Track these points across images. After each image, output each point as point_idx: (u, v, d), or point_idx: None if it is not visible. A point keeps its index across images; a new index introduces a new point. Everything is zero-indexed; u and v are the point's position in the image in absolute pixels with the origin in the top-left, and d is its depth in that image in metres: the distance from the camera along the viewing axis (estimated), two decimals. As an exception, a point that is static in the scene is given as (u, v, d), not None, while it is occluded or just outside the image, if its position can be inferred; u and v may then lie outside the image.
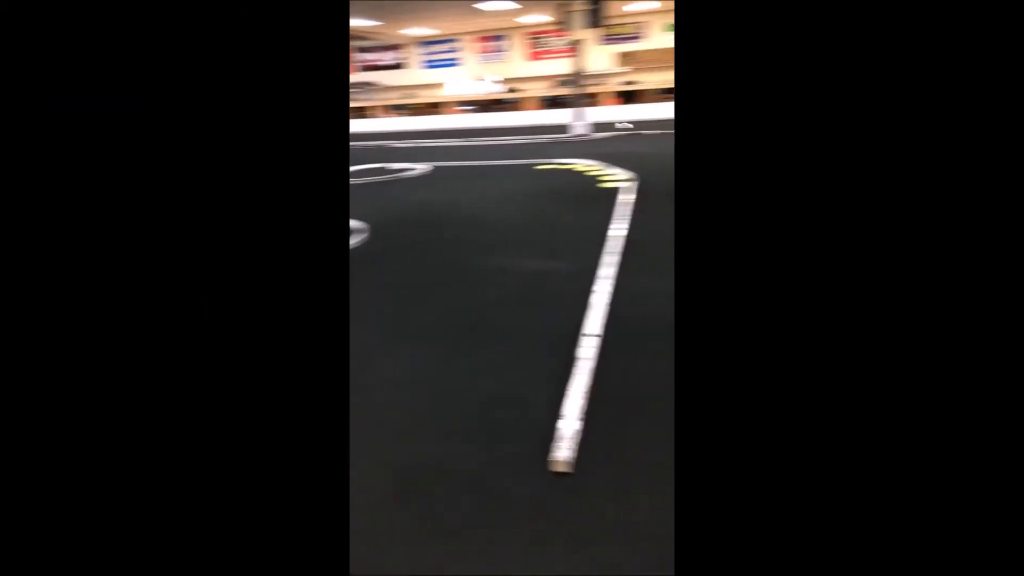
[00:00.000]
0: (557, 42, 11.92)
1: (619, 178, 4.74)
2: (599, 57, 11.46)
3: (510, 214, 3.82)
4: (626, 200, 3.94)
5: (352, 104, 14.01)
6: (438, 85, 13.53)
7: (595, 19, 7.70)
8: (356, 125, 12.21)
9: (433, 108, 13.37)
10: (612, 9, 9.56)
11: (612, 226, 3.28)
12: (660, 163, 5.32)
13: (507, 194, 4.50)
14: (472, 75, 13.05)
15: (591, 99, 10.44)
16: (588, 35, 8.10)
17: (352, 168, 6.28)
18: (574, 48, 8.42)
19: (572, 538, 1.08)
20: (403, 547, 1.09)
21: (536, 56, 12.59)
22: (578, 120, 8.37)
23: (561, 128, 9.00)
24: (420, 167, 6.13)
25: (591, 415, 1.47)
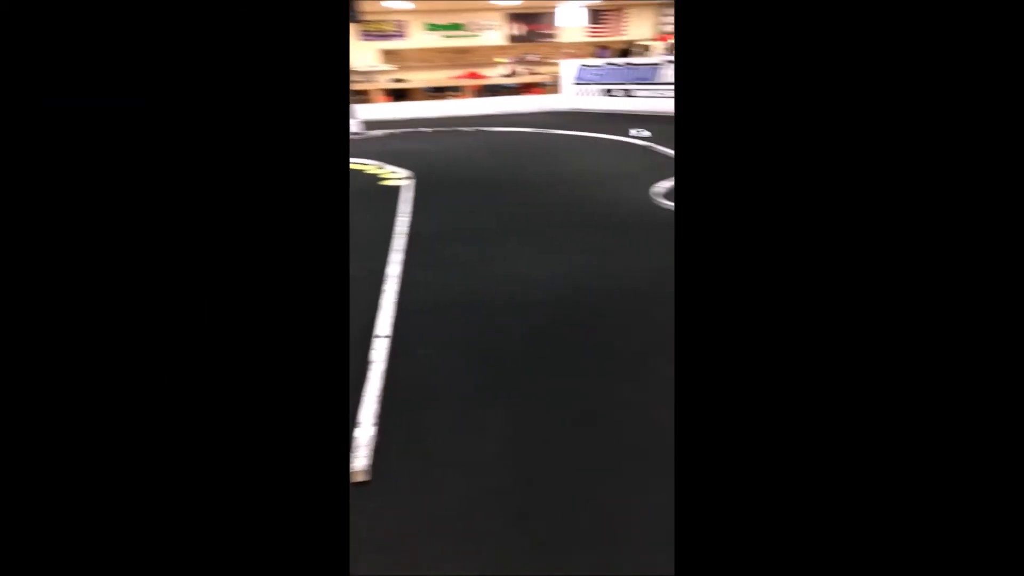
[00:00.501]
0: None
1: (398, 176, 4.81)
2: (363, 54, 11.25)
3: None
4: (406, 197, 4.08)
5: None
6: None
7: (351, 13, 7.53)
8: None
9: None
10: (369, 6, 9.46)
11: (397, 224, 3.38)
12: (433, 160, 5.57)
13: None
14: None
15: (362, 96, 10.23)
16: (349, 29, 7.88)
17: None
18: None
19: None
20: None
21: (295, 49, 11.71)
22: (351, 117, 8.13)
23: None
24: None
25: (386, 417, 1.50)
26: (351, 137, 7.70)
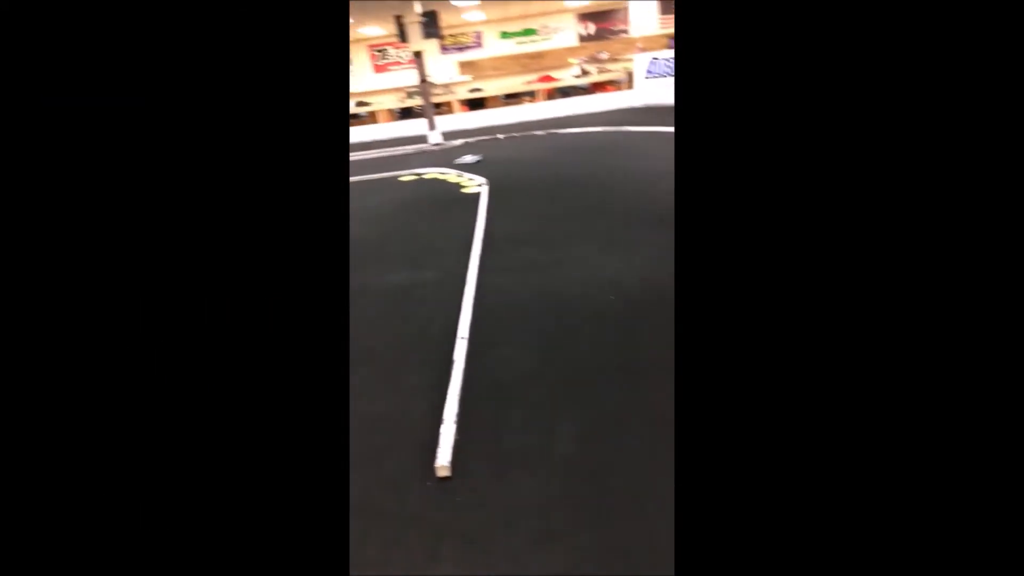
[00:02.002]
0: (400, 54, 12.01)
1: (475, 183, 5.04)
2: (442, 67, 11.79)
3: (379, 228, 3.93)
4: (482, 203, 4.26)
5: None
6: None
7: (432, 30, 7.96)
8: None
9: None
10: (450, 19, 9.91)
11: (476, 229, 3.56)
12: (506, 167, 5.72)
13: (374, 208, 4.59)
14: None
15: (440, 108, 10.73)
16: (428, 45, 8.35)
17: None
18: (416, 59, 8.60)
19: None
20: None
21: (381, 69, 12.54)
22: (431, 129, 8.60)
23: (417, 139, 9.15)
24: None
25: (466, 415, 1.58)
26: (432, 148, 8.14)
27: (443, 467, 1.40)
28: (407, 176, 5.94)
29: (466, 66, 12.18)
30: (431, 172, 6.00)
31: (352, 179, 6.30)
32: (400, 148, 8.37)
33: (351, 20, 9.38)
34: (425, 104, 8.72)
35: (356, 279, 2.94)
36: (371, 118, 12.24)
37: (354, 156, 8.23)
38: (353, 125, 11.94)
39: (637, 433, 1.49)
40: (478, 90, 12.01)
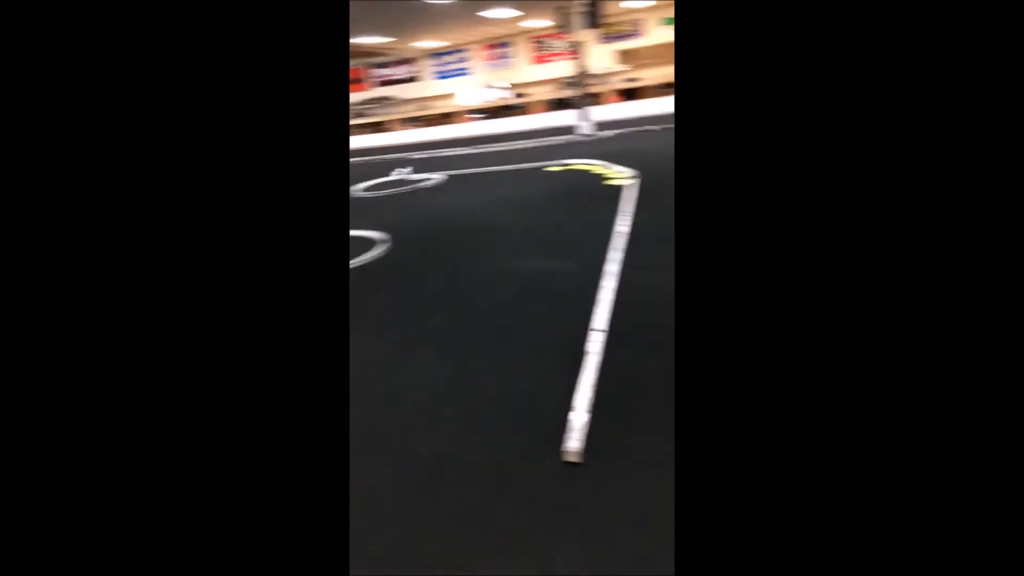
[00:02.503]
0: (559, 45, 12.15)
1: (623, 176, 4.93)
2: (600, 56, 11.65)
3: (522, 217, 4.06)
4: (629, 196, 4.15)
5: (370, 119, 14.42)
6: (450, 95, 13.90)
7: (594, 19, 7.90)
8: (374, 139, 12.60)
9: (446, 118, 13.75)
10: (610, 8, 9.73)
11: (617, 223, 3.49)
12: (658, 160, 5.49)
13: (519, 198, 4.74)
14: (481, 83, 13.36)
15: (595, 98, 10.63)
16: (588, 35, 8.30)
17: (372, 182, 6.60)
18: (575, 49, 8.63)
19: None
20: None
21: (540, 60, 12.86)
22: (583, 120, 8.58)
23: (567, 129, 9.21)
24: (436, 176, 6.42)
25: (599, 407, 1.59)
26: (584, 138, 8.14)
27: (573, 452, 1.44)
28: (554, 167, 6.02)
29: (626, 55, 11.86)
30: (578, 163, 6.00)
31: (496, 168, 6.58)
32: (550, 138, 8.51)
33: (518, 12, 9.73)
34: (580, 94, 8.72)
35: (491, 264, 3.09)
36: (525, 109, 12.64)
37: (506, 147, 8.59)
38: (509, 116, 12.48)
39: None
40: (634, 79, 11.63)
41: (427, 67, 14.18)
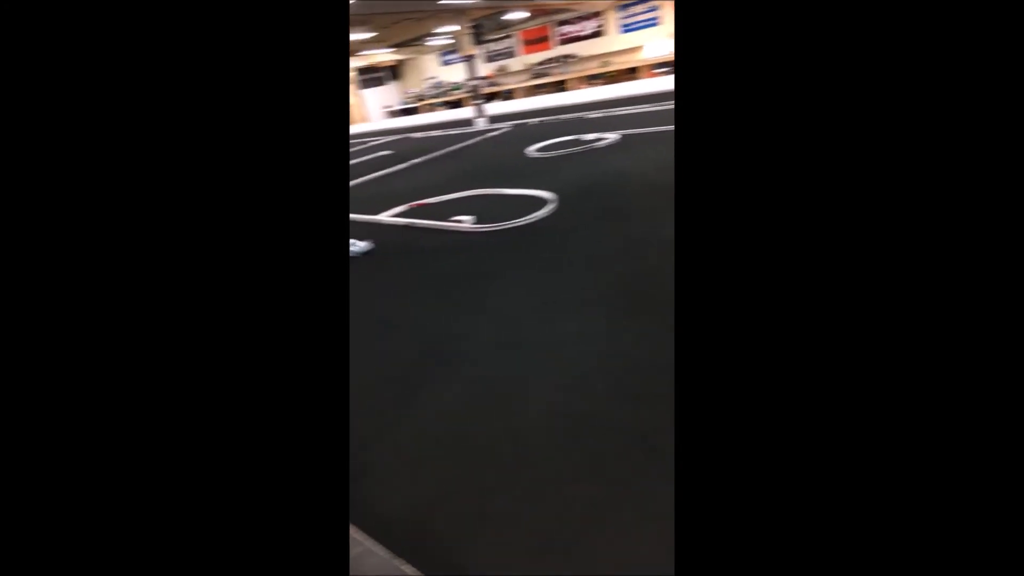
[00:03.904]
0: None
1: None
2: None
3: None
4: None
5: (551, 79, 14.60)
6: (636, 49, 13.19)
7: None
8: (552, 99, 12.76)
9: (630, 74, 13.13)
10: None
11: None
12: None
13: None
14: (670, 34, 12.36)
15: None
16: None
17: (548, 142, 6.74)
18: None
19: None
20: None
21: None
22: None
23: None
24: (611, 136, 6.26)
25: None
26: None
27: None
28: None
29: None
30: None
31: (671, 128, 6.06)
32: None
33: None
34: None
35: (652, 230, 2.95)
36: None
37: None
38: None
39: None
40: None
41: (613, 20, 13.58)
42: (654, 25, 12.86)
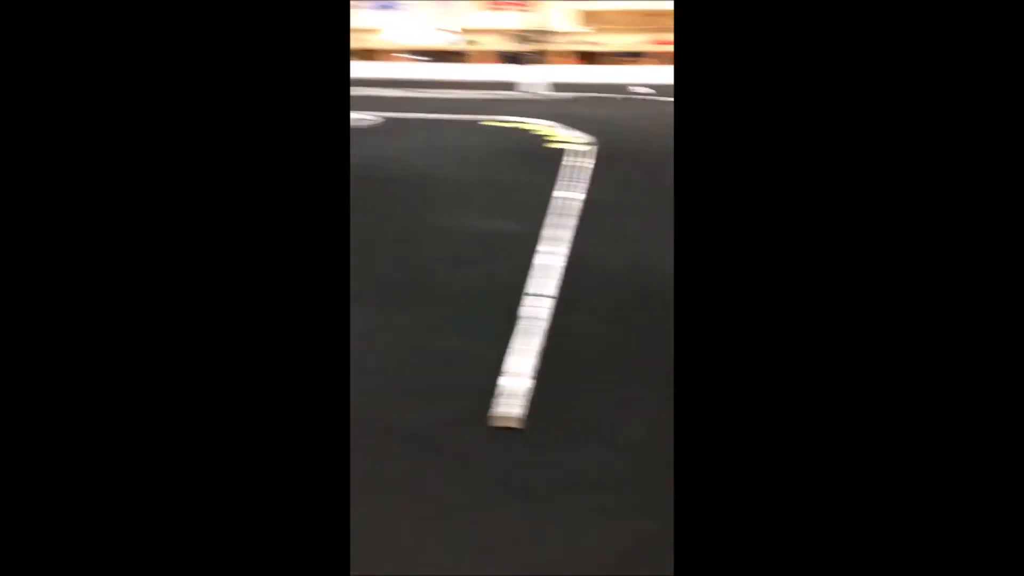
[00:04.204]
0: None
1: (571, 141, 4.75)
2: (561, 14, 11.16)
3: (462, 171, 3.82)
4: (582, 162, 4.00)
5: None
6: (374, 30, 12.67)
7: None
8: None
9: (367, 55, 12.53)
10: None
11: (559, 188, 3.34)
12: (618, 129, 5.38)
13: (460, 150, 4.46)
14: (428, 23, 12.38)
15: (549, 57, 10.25)
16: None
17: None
18: (535, 1, 8.16)
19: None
20: None
21: (495, 5, 12.05)
22: (534, 78, 8.22)
23: (515, 85, 8.81)
24: (370, 117, 5.94)
25: (542, 373, 1.53)
26: (537, 98, 7.81)
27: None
28: (497, 122, 5.70)
29: (591, 16, 11.45)
30: (524, 122, 5.71)
31: (440, 116, 6.19)
32: (498, 92, 8.11)
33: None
34: (534, 51, 8.31)
35: (428, 219, 2.90)
36: (470, 58, 11.95)
37: (448, 94, 8.08)
38: (453, 62, 11.72)
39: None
40: (595, 43, 11.33)
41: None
42: (392, 9, 12.58)
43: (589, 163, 4.02)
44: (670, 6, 10.70)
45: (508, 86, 8.89)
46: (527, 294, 1.98)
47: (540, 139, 4.88)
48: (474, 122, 5.75)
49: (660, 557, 0.98)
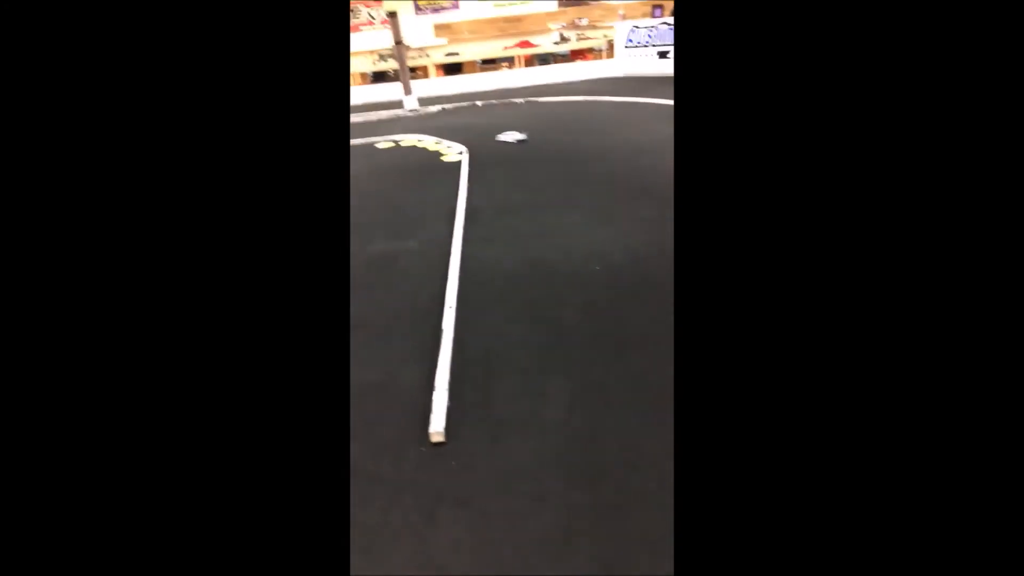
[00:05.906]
0: (372, 13, 11.46)
1: (455, 151, 4.94)
2: (417, 29, 11.32)
3: (358, 198, 3.82)
4: (464, 172, 4.18)
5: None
6: None
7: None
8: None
9: None
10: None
11: (459, 198, 3.50)
12: (484, 135, 5.60)
13: (356, 174, 4.43)
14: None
15: (415, 72, 10.38)
16: (402, 6, 7.98)
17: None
18: (390, 19, 8.24)
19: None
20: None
21: (353, 29, 11.95)
22: (406, 94, 8.31)
23: (391, 104, 8.84)
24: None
25: (456, 383, 1.62)
26: (408, 114, 7.90)
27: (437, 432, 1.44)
28: (384, 143, 5.76)
29: (442, 28, 11.73)
30: (408, 139, 5.83)
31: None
32: (375, 113, 8.09)
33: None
34: (400, 68, 8.40)
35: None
36: (342, 81, 11.68)
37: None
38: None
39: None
40: (454, 54, 11.62)
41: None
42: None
43: (466, 171, 4.20)
44: (524, 11, 11.29)
45: (385, 106, 8.88)
46: (444, 307, 2.09)
47: (431, 154, 4.99)
48: (369, 145, 5.70)
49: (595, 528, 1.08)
